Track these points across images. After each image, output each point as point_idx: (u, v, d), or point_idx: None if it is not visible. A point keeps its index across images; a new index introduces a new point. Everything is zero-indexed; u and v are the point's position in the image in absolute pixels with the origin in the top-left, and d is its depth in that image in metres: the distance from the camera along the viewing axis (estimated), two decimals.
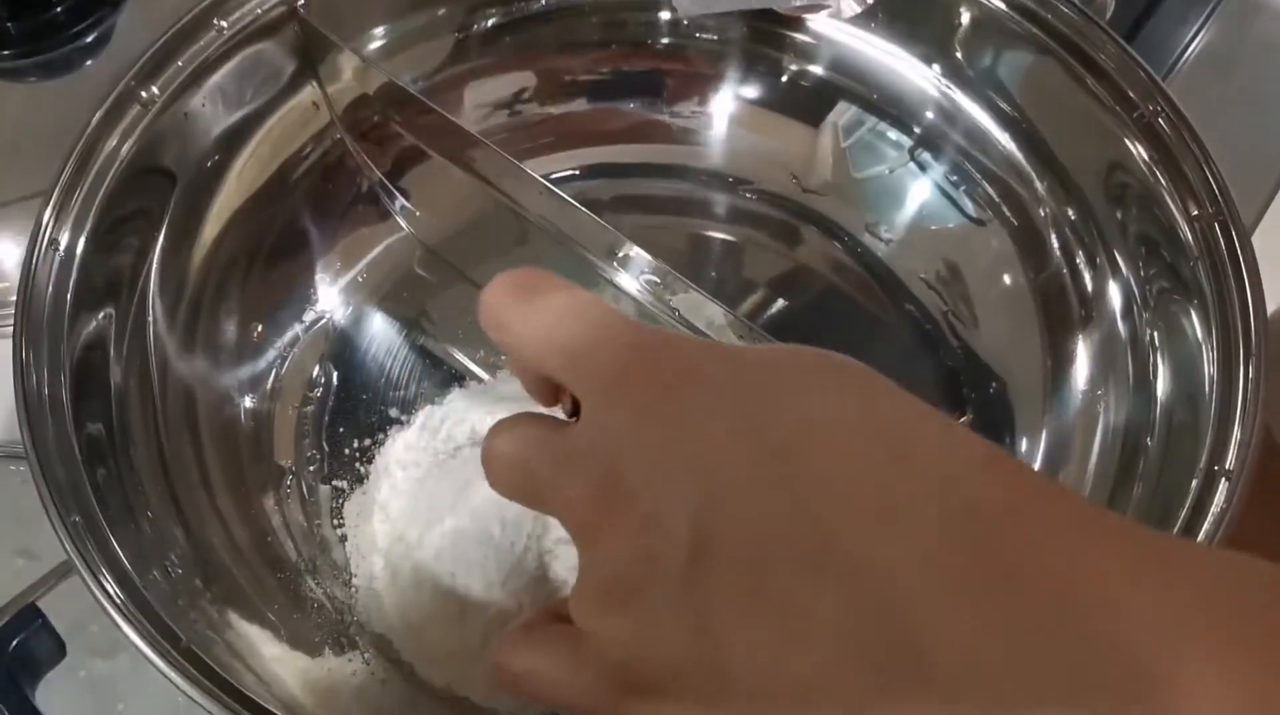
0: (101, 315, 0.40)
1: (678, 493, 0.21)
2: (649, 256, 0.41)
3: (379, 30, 0.48)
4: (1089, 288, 0.44)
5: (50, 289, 0.38)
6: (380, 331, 0.49)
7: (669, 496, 0.21)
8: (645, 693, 0.22)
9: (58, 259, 0.39)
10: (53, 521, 0.33)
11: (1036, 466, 0.44)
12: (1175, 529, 0.35)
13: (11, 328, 0.55)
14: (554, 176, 0.52)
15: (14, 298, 0.55)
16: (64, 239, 0.39)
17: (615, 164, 0.53)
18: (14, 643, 0.32)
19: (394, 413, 0.47)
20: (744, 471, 0.21)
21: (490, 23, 0.50)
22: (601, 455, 0.23)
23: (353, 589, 0.43)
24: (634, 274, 0.43)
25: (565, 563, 0.42)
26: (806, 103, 0.51)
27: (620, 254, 0.42)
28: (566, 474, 0.23)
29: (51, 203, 0.39)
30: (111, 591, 0.32)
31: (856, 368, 0.23)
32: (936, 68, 0.49)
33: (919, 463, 0.21)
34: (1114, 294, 0.43)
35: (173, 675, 0.32)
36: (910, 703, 0.19)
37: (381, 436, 0.46)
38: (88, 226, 0.39)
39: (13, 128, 0.55)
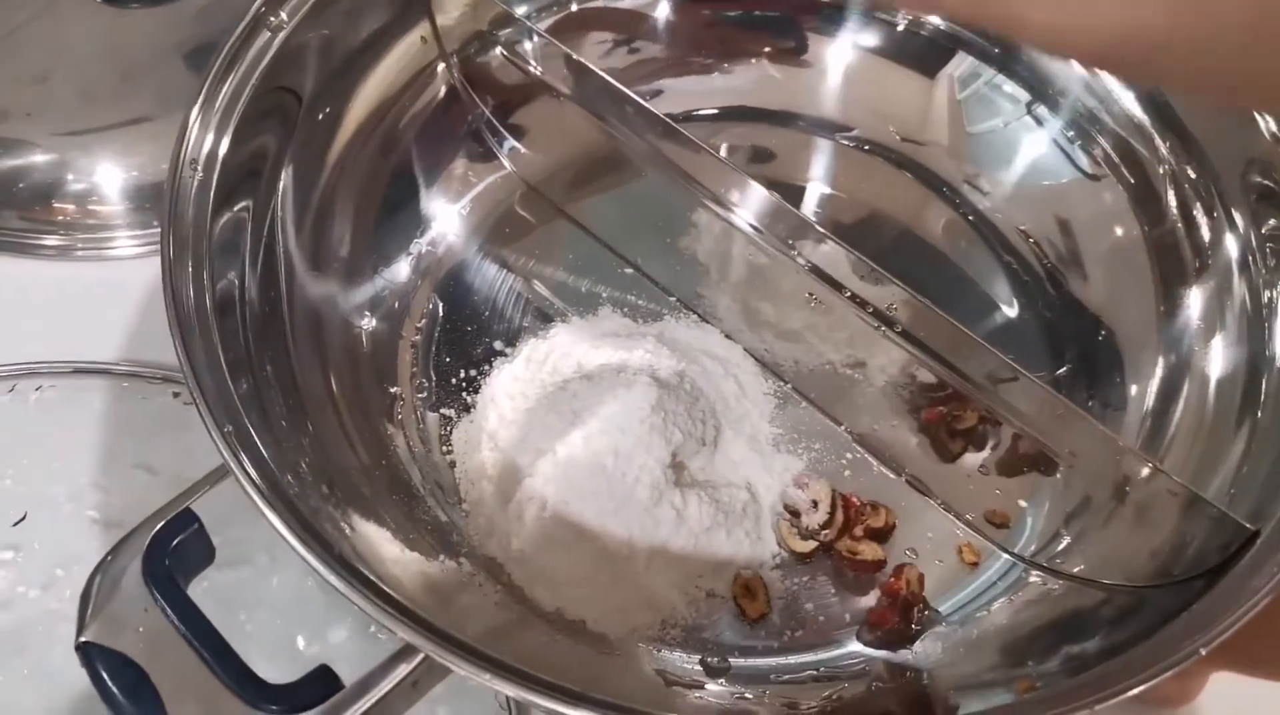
0: (237, 217, 0.41)
1: None
2: (768, 193, 0.42)
3: None
4: (1205, 239, 0.45)
5: (191, 208, 0.39)
6: (483, 267, 0.50)
7: None
8: None
9: (197, 179, 0.39)
10: (210, 430, 0.33)
11: (1149, 406, 0.44)
12: None
13: (114, 253, 0.56)
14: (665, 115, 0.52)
15: (117, 222, 0.56)
16: (202, 158, 0.40)
17: (730, 108, 0.53)
18: (174, 542, 0.33)
19: (498, 345, 0.48)
20: None
21: None
22: None
23: (463, 513, 0.44)
24: (750, 212, 0.44)
25: (676, 497, 0.43)
26: (922, 53, 0.52)
27: (738, 193, 0.43)
28: None
29: (191, 120, 0.40)
30: (267, 494, 0.33)
31: None
32: None
33: None
34: (1230, 246, 0.44)
35: (323, 570, 0.32)
36: None
37: (487, 368, 0.47)
38: (225, 144, 0.40)
39: (116, 55, 0.56)
